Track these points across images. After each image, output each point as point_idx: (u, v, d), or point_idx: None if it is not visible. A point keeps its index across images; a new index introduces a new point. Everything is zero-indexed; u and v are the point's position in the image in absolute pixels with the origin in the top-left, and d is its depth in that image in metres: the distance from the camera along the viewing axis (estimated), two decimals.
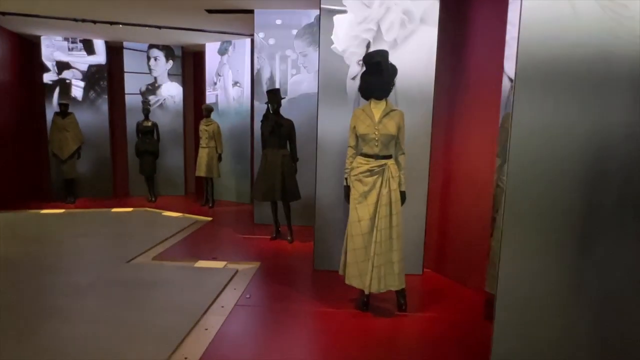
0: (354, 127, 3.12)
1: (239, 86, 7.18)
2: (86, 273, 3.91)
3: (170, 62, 7.93)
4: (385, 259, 3.03)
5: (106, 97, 7.65)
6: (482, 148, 3.57)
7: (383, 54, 2.98)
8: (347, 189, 3.19)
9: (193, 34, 6.87)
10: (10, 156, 6.98)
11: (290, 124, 4.89)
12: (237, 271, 4.06)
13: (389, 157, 3.08)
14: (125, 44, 7.68)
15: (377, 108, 3.06)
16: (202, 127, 6.75)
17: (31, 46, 7.49)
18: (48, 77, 7.33)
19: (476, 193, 3.64)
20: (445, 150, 4.04)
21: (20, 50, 7.30)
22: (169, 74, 7.94)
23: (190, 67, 8.45)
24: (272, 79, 5.82)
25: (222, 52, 7.32)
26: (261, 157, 5.01)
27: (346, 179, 3.20)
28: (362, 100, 3.28)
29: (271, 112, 4.90)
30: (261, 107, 5.59)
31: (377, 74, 2.98)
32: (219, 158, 6.83)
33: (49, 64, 7.32)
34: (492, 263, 2.07)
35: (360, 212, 3.06)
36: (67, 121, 6.88)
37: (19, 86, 7.28)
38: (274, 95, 4.88)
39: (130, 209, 6.80)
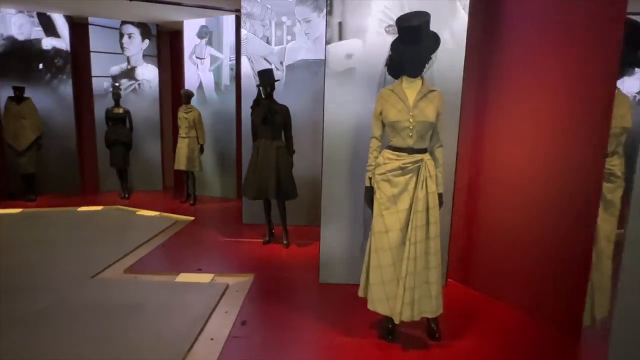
0: (381, 113, 2.45)
1: (222, 68, 6.41)
2: (40, 293, 3.17)
3: (146, 41, 7.07)
4: (420, 280, 2.41)
5: (70, 79, 6.74)
6: (526, 142, 2.98)
7: (424, 16, 2.27)
8: (370, 191, 2.53)
9: (169, 9, 6.03)
10: None
11: (285, 110, 4.20)
12: (227, 286, 3.39)
13: (424, 150, 2.43)
14: (90, 19, 6.76)
15: (410, 88, 2.40)
16: (181, 114, 5.98)
17: None
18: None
19: (515, 194, 3.06)
20: (474, 142, 3.42)
21: None
22: (144, 55, 7.08)
23: (167, 47, 7.60)
24: (266, 42, 5.08)
25: (202, 35, 6.51)
26: (252, 149, 4.31)
27: (370, 178, 2.55)
28: (389, 79, 2.62)
29: (263, 96, 4.20)
30: (250, 92, 4.89)
31: (414, 42, 2.28)
32: (201, 149, 6.09)
33: (0, 41, 6.36)
34: (592, 297, 1.54)
35: (388, 220, 2.41)
36: (23, 107, 5.98)
37: None
38: (267, 77, 4.16)
39: (99, 208, 5.99)
